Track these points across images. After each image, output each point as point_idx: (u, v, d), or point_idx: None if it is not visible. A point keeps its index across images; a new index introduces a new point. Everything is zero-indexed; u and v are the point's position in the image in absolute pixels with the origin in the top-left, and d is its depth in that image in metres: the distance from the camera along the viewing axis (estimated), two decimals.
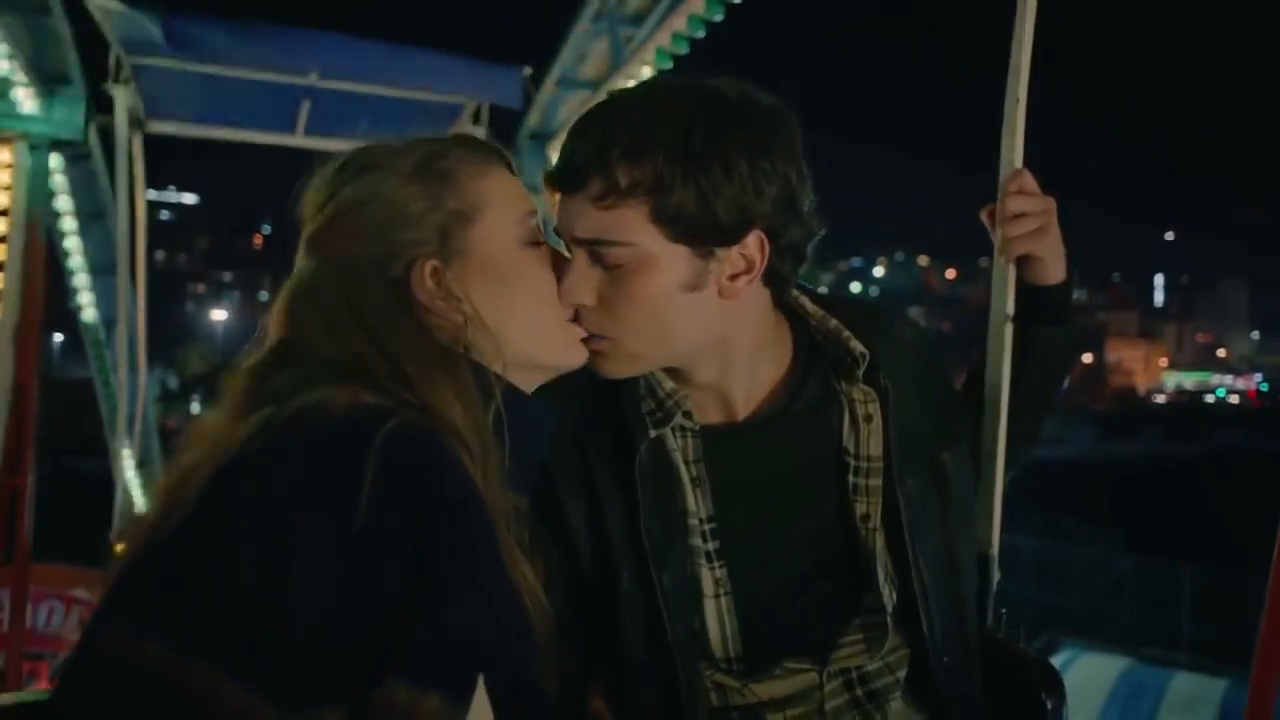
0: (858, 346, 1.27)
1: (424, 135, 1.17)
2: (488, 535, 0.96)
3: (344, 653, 0.85)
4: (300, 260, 1.11)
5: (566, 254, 1.20)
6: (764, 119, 1.16)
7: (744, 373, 1.27)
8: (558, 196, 1.19)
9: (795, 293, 1.33)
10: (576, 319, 1.18)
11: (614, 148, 1.12)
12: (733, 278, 1.18)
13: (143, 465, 6.90)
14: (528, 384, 1.15)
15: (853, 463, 1.28)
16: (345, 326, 1.03)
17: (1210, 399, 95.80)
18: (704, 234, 1.14)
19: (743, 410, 1.28)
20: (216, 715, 0.81)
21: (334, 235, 1.09)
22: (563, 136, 1.18)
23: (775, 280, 1.24)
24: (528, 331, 1.13)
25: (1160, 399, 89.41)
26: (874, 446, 1.28)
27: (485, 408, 1.03)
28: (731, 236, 1.15)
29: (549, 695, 1.06)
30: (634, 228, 1.13)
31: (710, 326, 1.20)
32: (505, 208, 1.13)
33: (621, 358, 1.20)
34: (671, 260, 1.15)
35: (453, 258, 1.09)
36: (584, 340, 1.19)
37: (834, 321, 1.31)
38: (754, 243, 1.17)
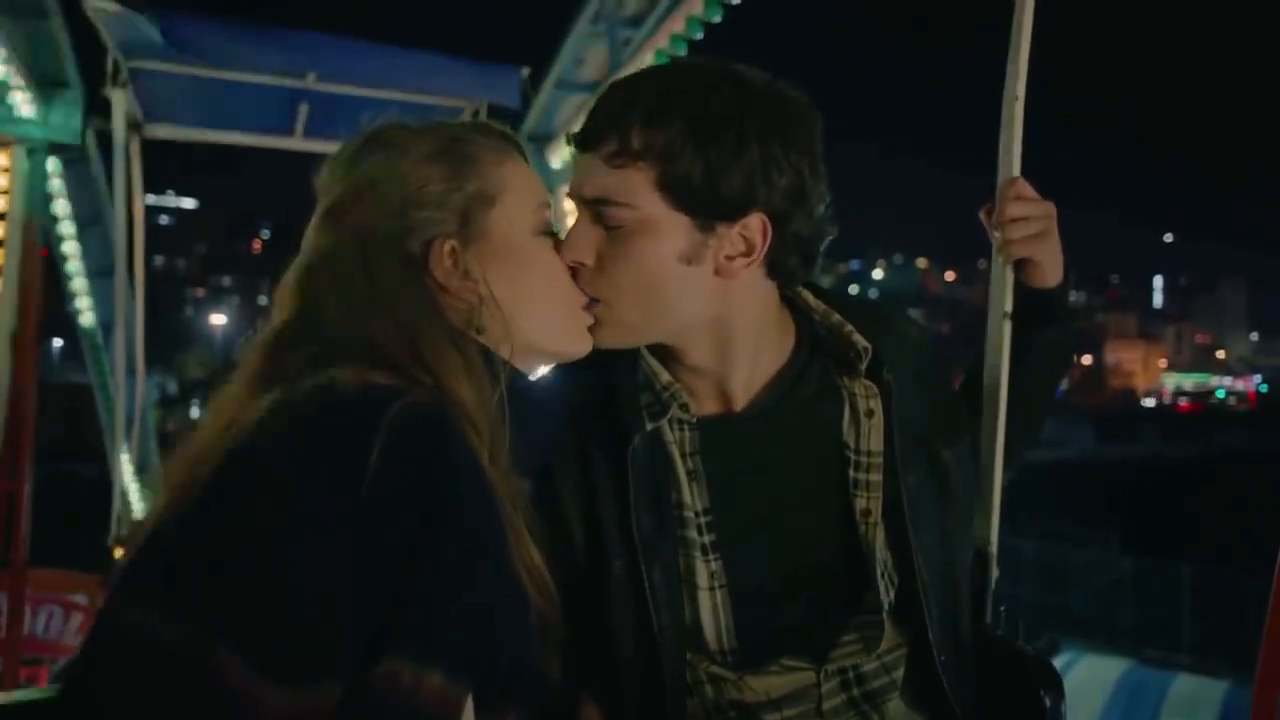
0: (860, 341, 1.26)
1: (444, 120, 1.18)
2: (493, 515, 0.97)
3: (346, 628, 0.86)
4: (313, 234, 1.11)
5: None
6: (785, 108, 1.17)
7: (745, 360, 1.25)
8: (578, 158, 1.20)
9: (798, 287, 1.32)
10: (574, 276, 1.18)
11: (633, 110, 1.15)
12: (730, 258, 1.18)
13: (141, 470, 6.89)
14: (531, 369, 1.17)
15: (853, 457, 1.27)
16: (361, 298, 1.03)
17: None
18: (706, 207, 1.15)
19: (741, 399, 1.27)
20: (218, 692, 0.82)
21: (352, 209, 1.09)
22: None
23: (780, 273, 1.23)
24: (539, 316, 1.14)
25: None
26: (875, 442, 1.27)
27: (493, 390, 1.04)
28: (733, 214, 1.15)
29: (549, 676, 1.06)
30: (638, 191, 1.15)
31: (705, 306, 1.20)
32: (523, 195, 1.15)
33: (613, 325, 1.20)
34: (671, 228, 1.16)
35: (471, 240, 1.10)
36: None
37: (837, 316, 1.30)
38: (756, 225, 1.17)
